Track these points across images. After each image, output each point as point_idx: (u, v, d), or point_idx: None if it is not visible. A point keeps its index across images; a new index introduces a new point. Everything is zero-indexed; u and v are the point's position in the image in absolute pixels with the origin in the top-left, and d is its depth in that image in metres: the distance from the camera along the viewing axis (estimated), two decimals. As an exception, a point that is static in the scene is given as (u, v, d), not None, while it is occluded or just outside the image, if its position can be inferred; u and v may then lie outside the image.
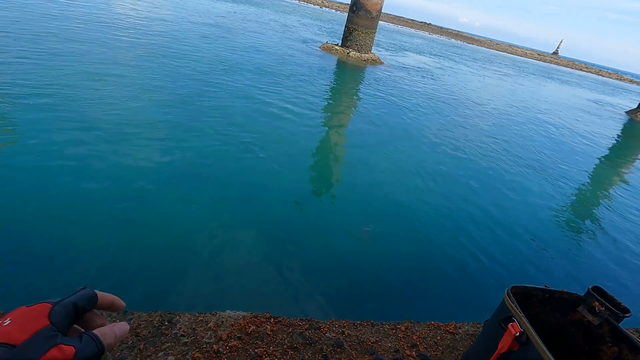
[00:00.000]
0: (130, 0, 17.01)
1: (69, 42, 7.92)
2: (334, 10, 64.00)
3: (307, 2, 67.80)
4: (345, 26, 15.96)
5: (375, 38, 16.24)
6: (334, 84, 10.67)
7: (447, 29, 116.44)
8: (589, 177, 7.70)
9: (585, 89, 30.15)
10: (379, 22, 15.68)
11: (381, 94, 10.33)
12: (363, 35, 15.50)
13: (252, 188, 4.26)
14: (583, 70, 66.73)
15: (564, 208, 5.78)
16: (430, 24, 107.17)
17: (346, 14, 16.18)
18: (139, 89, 6.33)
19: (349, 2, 15.61)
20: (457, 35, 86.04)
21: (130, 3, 16.13)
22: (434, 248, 3.90)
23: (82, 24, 9.87)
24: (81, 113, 4.96)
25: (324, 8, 63.85)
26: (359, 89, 10.65)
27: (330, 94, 9.52)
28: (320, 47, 16.37)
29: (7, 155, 3.77)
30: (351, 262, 3.41)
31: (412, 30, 64.18)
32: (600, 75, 66.31)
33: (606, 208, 6.20)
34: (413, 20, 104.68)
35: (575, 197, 6.37)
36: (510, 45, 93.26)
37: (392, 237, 3.95)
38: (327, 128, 7.06)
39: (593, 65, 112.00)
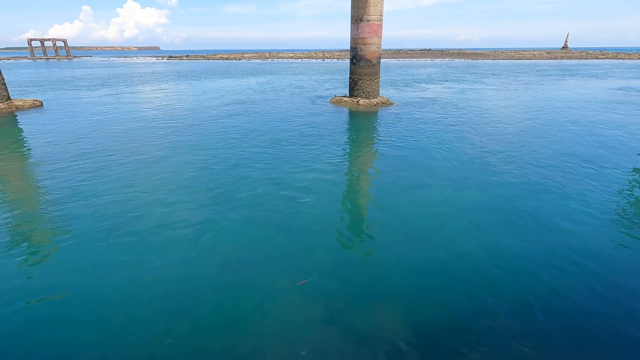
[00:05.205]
0: (148, 96, 18.87)
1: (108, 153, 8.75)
2: (336, 60, 67.44)
3: (309, 59, 72.12)
4: (350, 77, 16.68)
5: (381, 78, 16.76)
6: (349, 137, 10.93)
7: (449, 50, 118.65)
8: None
9: (615, 78, 28.88)
10: (382, 59, 16.27)
11: (396, 137, 10.43)
12: (368, 82, 16.08)
13: (292, 266, 4.26)
14: (599, 58, 64.62)
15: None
16: (430, 49, 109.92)
17: (348, 60, 16.96)
18: (172, 186, 6.76)
19: (349, 50, 16.41)
20: (460, 53, 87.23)
21: (151, 101, 17.85)
22: (493, 304, 3.65)
23: (121, 129, 10.96)
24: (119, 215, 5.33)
25: (326, 60, 67.51)
26: (374, 138, 10.83)
27: (347, 149, 9.72)
28: (330, 102, 17.07)
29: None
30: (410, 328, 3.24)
31: (414, 60, 65.90)
32: (620, 58, 63.82)
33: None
34: (413, 50, 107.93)
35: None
36: (517, 51, 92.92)
37: (443, 292, 3.75)
38: (351, 188, 7.11)
39: (608, 49, 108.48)
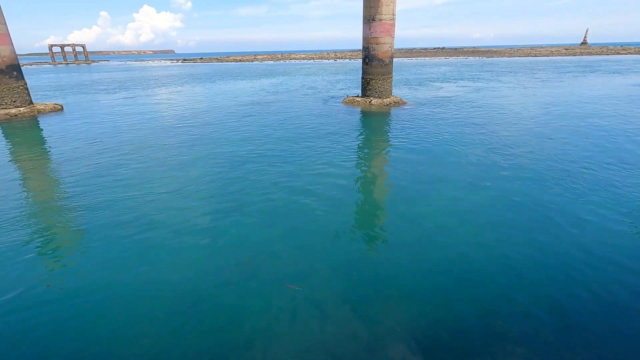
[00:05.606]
0: (164, 99, 19.19)
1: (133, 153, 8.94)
2: (348, 60, 67.29)
3: (321, 59, 72.20)
4: (362, 77, 16.59)
5: (395, 77, 16.60)
6: (361, 138, 10.86)
7: (463, 48, 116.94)
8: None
9: (639, 74, 27.88)
10: (395, 59, 16.11)
11: (409, 137, 10.31)
12: (380, 82, 15.96)
13: (305, 268, 4.24)
14: (620, 54, 62.53)
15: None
16: (443, 48, 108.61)
17: (360, 60, 16.86)
18: (186, 188, 6.85)
19: (361, 50, 16.32)
20: (475, 51, 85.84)
21: (167, 103, 18.15)
22: (511, 308, 3.55)
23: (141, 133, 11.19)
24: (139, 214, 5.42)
25: (338, 60, 67.42)
26: (387, 138, 10.73)
27: (359, 150, 9.66)
28: (342, 102, 17.01)
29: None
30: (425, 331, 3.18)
31: (427, 59, 65.17)
32: (643, 53, 61.59)
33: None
34: (426, 49, 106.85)
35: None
36: (534, 48, 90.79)
37: (455, 295, 3.66)
38: (363, 189, 7.05)
39: (630, 45, 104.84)
